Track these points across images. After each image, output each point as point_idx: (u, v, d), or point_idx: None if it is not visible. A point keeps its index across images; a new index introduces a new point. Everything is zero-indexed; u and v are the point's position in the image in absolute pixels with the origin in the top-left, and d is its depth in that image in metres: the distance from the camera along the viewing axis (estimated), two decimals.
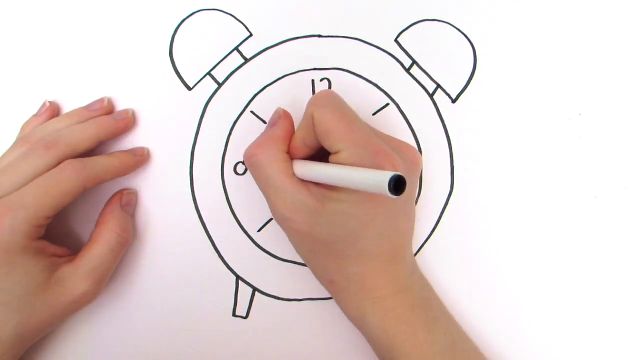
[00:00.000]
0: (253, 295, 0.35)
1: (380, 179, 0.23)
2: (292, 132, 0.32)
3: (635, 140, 0.36)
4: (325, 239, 0.29)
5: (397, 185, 0.22)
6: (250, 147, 0.31)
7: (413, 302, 0.31)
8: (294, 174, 0.30)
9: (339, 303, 0.32)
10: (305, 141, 0.31)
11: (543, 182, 0.36)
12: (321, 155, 0.31)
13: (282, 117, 0.32)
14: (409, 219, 0.32)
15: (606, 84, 0.37)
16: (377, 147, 0.28)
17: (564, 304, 0.35)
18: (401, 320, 0.30)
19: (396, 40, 0.37)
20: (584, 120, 0.36)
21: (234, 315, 0.35)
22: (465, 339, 0.32)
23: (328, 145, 0.29)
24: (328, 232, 0.29)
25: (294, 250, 0.35)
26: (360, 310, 0.30)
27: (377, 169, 0.27)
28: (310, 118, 0.29)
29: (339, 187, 0.28)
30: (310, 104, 0.30)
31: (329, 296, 0.35)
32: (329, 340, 0.35)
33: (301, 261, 0.35)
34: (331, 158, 0.29)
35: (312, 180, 0.29)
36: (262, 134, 0.32)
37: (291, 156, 0.31)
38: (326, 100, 0.30)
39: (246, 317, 0.35)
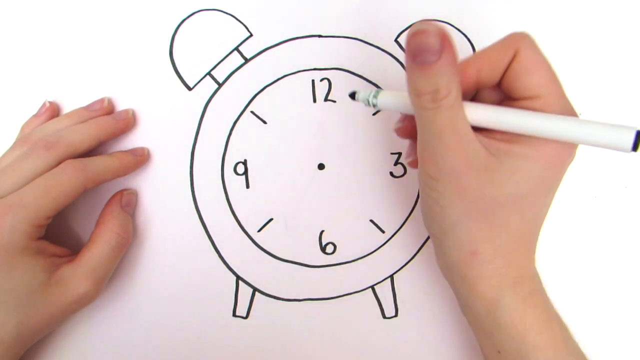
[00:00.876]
0: (253, 295, 0.35)
1: (624, 133, 0.21)
2: (457, 60, 0.24)
3: None
4: (490, 200, 0.25)
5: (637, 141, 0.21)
6: (432, 88, 0.23)
7: (544, 291, 0.28)
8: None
9: (471, 281, 0.27)
10: (481, 73, 0.25)
11: None
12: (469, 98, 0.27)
13: (445, 40, 0.23)
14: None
15: (606, 84, 0.37)
16: (571, 107, 0.25)
17: (564, 304, 0.35)
18: (540, 308, 0.27)
19: (396, 40, 0.37)
20: None
21: (234, 315, 0.35)
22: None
23: (522, 86, 0.25)
24: (498, 192, 0.25)
25: (294, 250, 0.35)
26: (497, 291, 0.26)
27: None
28: (508, 51, 0.25)
29: (519, 140, 0.25)
30: (515, 38, 0.25)
31: (329, 296, 0.35)
32: (329, 340, 0.35)
33: (301, 261, 0.35)
34: (520, 103, 0.25)
35: (496, 127, 0.25)
36: (429, 67, 0.23)
37: None
38: (534, 42, 0.25)
39: (246, 317, 0.35)
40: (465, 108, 0.25)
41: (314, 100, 0.36)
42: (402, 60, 0.37)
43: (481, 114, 0.25)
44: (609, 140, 0.22)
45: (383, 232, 0.35)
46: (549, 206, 0.28)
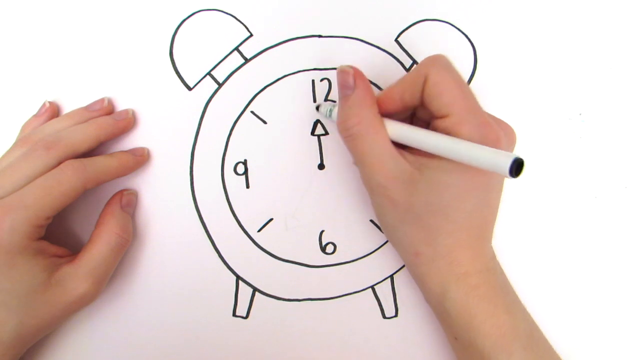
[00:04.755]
0: (253, 295, 0.35)
1: (502, 159, 0.23)
2: (372, 89, 0.31)
3: (635, 140, 0.36)
4: (418, 208, 0.29)
5: (518, 167, 0.22)
6: (343, 119, 0.30)
7: (495, 284, 0.30)
8: (389, 140, 0.29)
9: (420, 278, 0.31)
10: (404, 97, 0.30)
11: (543, 182, 0.36)
12: (403, 117, 0.31)
13: (357, 76, 0.30)
14: (499, 197, 0.32)
15: (606, 84, 0.37)
16: (485, 119, 0.28)
17: (564, 304, 0.35)
18: (484, 299, 0.29)
19: (396, 40, 0.37)
20: (584, 120, 0.36)
21: (234, 315, 0.35)
22: (539, 329, 0.31)
23: (436, 107, 0.28)
24: (423, 201, 0.29)
25: (294, 250, 0.35)
26: (443, 285, 0.30)
27: (483, 139, 0.27)
28: (420, 76, 0.29)
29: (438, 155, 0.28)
30: (425, 63, 0.29)
31: (329, 296, 0.35)
32: (329, 340, 0.35)
33: (301, 261, 0.35)
34: (436, 122, 0.29)
35: (411, 146, 0.29)
36: (349, 101, 0.30)
37: (380, 109, 0.30)
38: (443, 63, 0.29)
39: (246, 317, 0.35)
40: (387, 126, 0.29)
41: (314, 100, 0.36)
42: (402, 60, 0.37)
43: (396, 133, 0.29)
44: (491, 164, 0.24)
45: (383, 232, 0.35)
46: (488, 210, 0.30)
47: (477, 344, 0.29)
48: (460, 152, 0.26)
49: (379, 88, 0.36)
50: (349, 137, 0.30)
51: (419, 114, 0.32)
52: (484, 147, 0.25)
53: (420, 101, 0.30)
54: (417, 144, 0.28)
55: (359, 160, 0.30)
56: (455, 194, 0.28)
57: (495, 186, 0.31)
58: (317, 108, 0.35)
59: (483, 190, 0.29)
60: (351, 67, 0.31)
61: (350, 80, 0.30)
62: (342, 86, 0.31)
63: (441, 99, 0.28)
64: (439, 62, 0.29)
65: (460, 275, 0.30)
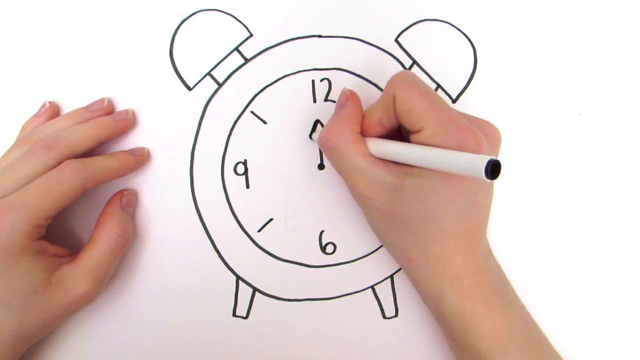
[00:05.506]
0: (253, 295, 0.35)
1: (476, 163, 0.22)
2: (361, 111, 0.32)
3: (635, 140, 0.36)
4: (404, 216, 0.29)
5: (493, 169, 0.22)
6: (323, 132, 0.31)
7: (490, 285, 0.30)
8: (369, 153, 0.30)
9: (415, 282, 0.32)
10: (382, 120, 0.30)
11: (543, 182, 0.36)
12: (391, 136, 0.32)
13: (350, 97, 0.32)
14: (488, 197, 0.32)
15: (606, 84, 0.37)
16: (460, 124, 0.28)
17: (564, 304, 0.35)
18: (479, 301, 0.29)
19: (396, 40, 0.37)
20: (584, 120, 0.36)
21: (234, 315, 0.35)
22: (538, 328, 0.32)
23: (410, 123, 0.29)
24: (408, 209, 0.29)
25: (294, 250, 0.35)
26: (438, 289, 0.30)
27: (461, 145, 0.27)
28: (389, 97, 0.29)
29: None
30: (391, 83, 0.30)
31: (329, 296, 0.35)
32: (329, 340, 0.35)
33: (301, 261, 0.35)
34: (413, 137, 0.29)
35: (391, 159, 0.29)
36: (333, 117, 0.32)
37: (364, 135, 0.31)
38: (407, 79, 0.30)
39: (246, 317, 0.35)
40: (369, 144, 0.30)
41: (314, 100, 0.36)
42: (403, 60, 0.37)
43: (375, 148, 0.30)
44: (466, 169, 0.23)
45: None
46: (477, 212, 0.31)
47: (474, 345, 0.29)
48: (435, 160, 0.26)
49: (379, 88, 0.36)
50: (326, 150, 0.31)
51: (402, 131, 0.32)
52: (457, 152, 0.25)
53: (397, 121, 0.30)
54: (395, 157, 0.29)
55: (340, 172, 0.31)
56: (440, 199, 0.29)
57: (482, 187, 0.31)
58: (310, 136, 0.36)
59: (469, 193, 0.30)
60: (350, 90, 0.32)
61: (344, 100, 0.32)
62: (337, 105, 0.33)
63: (412, 115, 0.28)
64: (403, 79, 0.30)
65: (454, 279, 0.30)
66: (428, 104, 0.28)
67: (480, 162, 0.22)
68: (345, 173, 0.31)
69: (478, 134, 0.27)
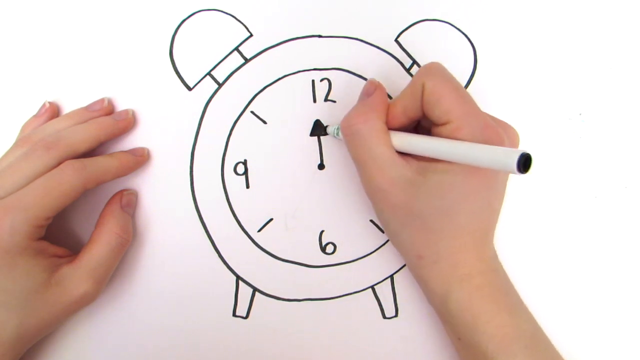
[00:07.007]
0: (253, 295, 0.35)
1: (509, 156, 0.22)
2: (387, 102, 0.31)
3: (635, 140, 0.36)
4: (421, 212, 0.29)
5: (526, 163, 0.22)
6: (349, 116, 0.31)
7: (498, 285, 0.30)
8: (392, 146, 0.30)
9: (423, 279, 0.31)
10: (406, 110, 0.30)
11: (543, 182, 0.36)
12: (410, 129, 0.32)
13: (378, 87, 0.32)
14: (502, 197, 0.32)
15: (606, 84, 0.37)
16: (486, 121, 0.28)
17: (564, 303, 0.35)
18: (487, 300, 0.29)
19: (396, 40, 0.37)
20: (584, 120, 0.36)
21: (234, 315, 0.35)
22: (542, 330, 0.31)
23: (436, 115, 0.29)
24: (426, 205, 0.29)
25: (294, 250, 0.35)
26: (446, 287, 0.30)
27: (485, 141, 0.27)
28: (418, 87, 0.29)
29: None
30: (421, 73, 0.30)
31: (329, 296, 0.35)
32: (329, 340, 0.35)
33: (301, 261, 0.35)
34: (436, 129, 0.29)
35: (416, 153, 0.29)
36: (360, 103, 0.32)
37: (387, 125, 0.31)
38: (438, 71, 0.29)
39: (246, 317, 0.35)
40: (392, 137, 0.30)
41: (314, 100, 0.36)
42: (402, 60, 0.37)
43: (399, 142, 0.29)
44: (497, 162, 0.23)
45: (383, 232, 0.35)
46: (490, 211, 0.31)
47: (480, 344, 0.29)
48: (467, 154, 0.26)
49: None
50: (350, 135, 0.30)
51: (423, 124, 0.32)
52: (489, 146, 0.25)
53: (422, 112, 0.30)
54: (421, 151, 0.28)
55: (358, 161, 0.30)
56: (460, 196, 0.29)
57: (499, 188, 0.31)
58: (325, 128, 0.36)
59: (487, 192, 0.30)
60: (378, 81, 0.32)
61: (372, 89, 0.32)
62: (364, 93, 0.32)
63: (440, 106, 0.28)
64: (434, 70, 0.29)
65: (464, 277, 0.30)
66: (457, 98, 0.28)
67: (513, 154, 0.22)
68: (364, 162, 0.30)
69: (502, 133, 0.28)
